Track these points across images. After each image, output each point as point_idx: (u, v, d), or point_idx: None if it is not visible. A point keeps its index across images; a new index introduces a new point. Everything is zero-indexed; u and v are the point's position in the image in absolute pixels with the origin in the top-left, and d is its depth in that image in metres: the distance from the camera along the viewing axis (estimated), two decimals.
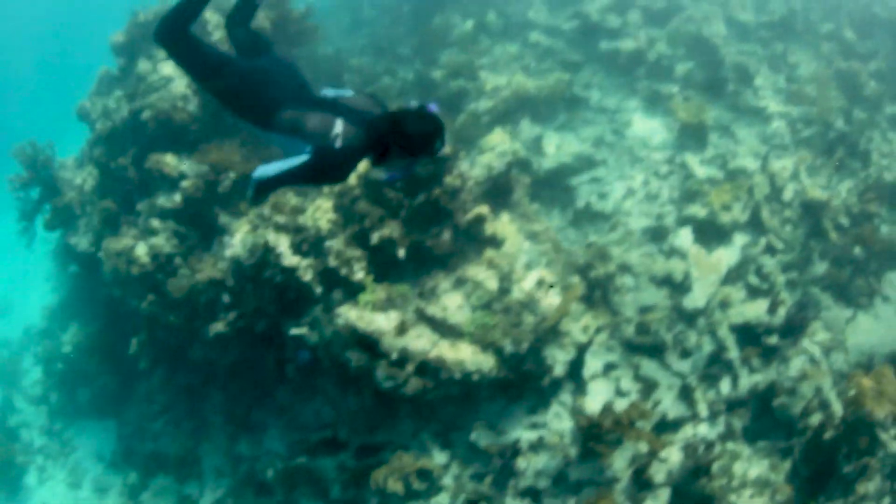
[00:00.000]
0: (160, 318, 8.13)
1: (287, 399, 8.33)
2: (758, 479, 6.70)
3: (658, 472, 6.65)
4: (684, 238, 8.32)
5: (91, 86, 11.06)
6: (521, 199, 8.30)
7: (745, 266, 8.11)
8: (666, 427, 7.04)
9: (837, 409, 6.68)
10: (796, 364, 7.30)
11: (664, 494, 6.60)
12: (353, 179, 6.94)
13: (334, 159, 3.31)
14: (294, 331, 7.12)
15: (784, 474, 6.72)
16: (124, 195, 8.84)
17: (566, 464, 6.84)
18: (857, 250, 8.26)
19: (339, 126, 3.31)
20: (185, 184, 8.00)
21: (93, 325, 10.75)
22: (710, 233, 8.36)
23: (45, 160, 10.46)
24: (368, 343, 6.68)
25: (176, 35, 3.56)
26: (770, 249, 8.29)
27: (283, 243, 6.93)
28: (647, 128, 9.85)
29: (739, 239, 8.37)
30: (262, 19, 8.87)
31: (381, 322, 6.71)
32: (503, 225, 7.53)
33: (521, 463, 6.91)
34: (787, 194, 8.62)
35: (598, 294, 7.70)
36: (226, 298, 7.45)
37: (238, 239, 7.18)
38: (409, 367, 6.64)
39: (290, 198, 7.24)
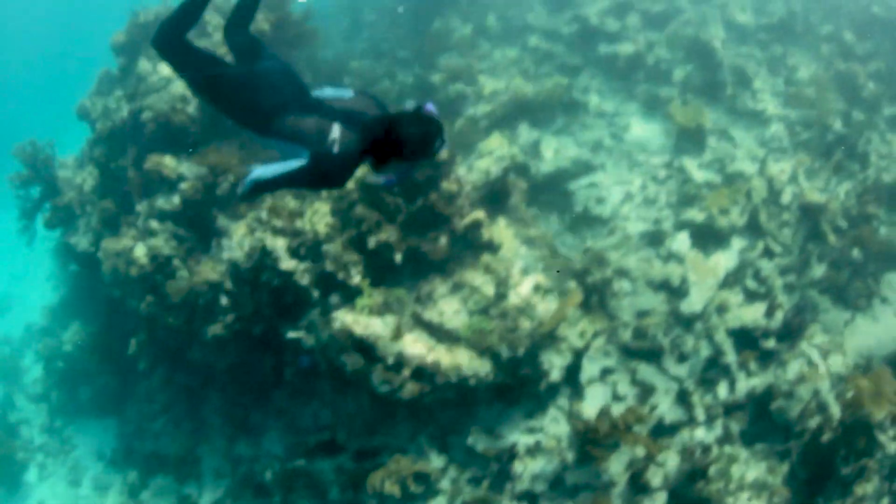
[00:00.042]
0: (159, 319, 8.15)
1: (285, 402, 8.36)
2: (755, 482, 6.71)
3: (655, 476, 6.65)
4: (682, 242, 8.30)
5: (91, 85, 11.12)
6: (518, 203, 8.30)
7: (743, 270, 8.09)
8: (663, 431, 7.04)
9: (835, 411, 6.68)
10: (794, 367, 7.29)
11: (661, 498, 6.61)
12: (350, 184, 6.95)
13: (331, 165, 3.27)
14: (291, 334, 7.14)
15: (782, 477, 6.74)
16: (123, 195, 8.86)
17: (563, 468, 6.85)
18: (856, 252, 8.25)
19: (336, 131, 3.28)
20: (183, 186, 8.03)
21: (93, 323, 10.80)
22: (708, 237, 8.34)
23: (45, 159, 10.50)
24: (364, 347, 6.69)
25: (173, 42, 3.58)
26: (768, 253, 8.28)
27: (280, 247, 6.95)
28: (646, 132, 9.83)
29: (737, 243, 8.34)
30: (261, 22, 8.87)
31: (378, 326, 6.72)
32: (500, 230, 7.54)
33: (517, 467, 6.91)
34: (786, 197, 8.59)
35: (595, 299, 7.69)
36: (224, 301, 7.47)
37: (236, 242, 7.19)
38: (406, 372, 6.66)
39: (288, 201, 7.25)
